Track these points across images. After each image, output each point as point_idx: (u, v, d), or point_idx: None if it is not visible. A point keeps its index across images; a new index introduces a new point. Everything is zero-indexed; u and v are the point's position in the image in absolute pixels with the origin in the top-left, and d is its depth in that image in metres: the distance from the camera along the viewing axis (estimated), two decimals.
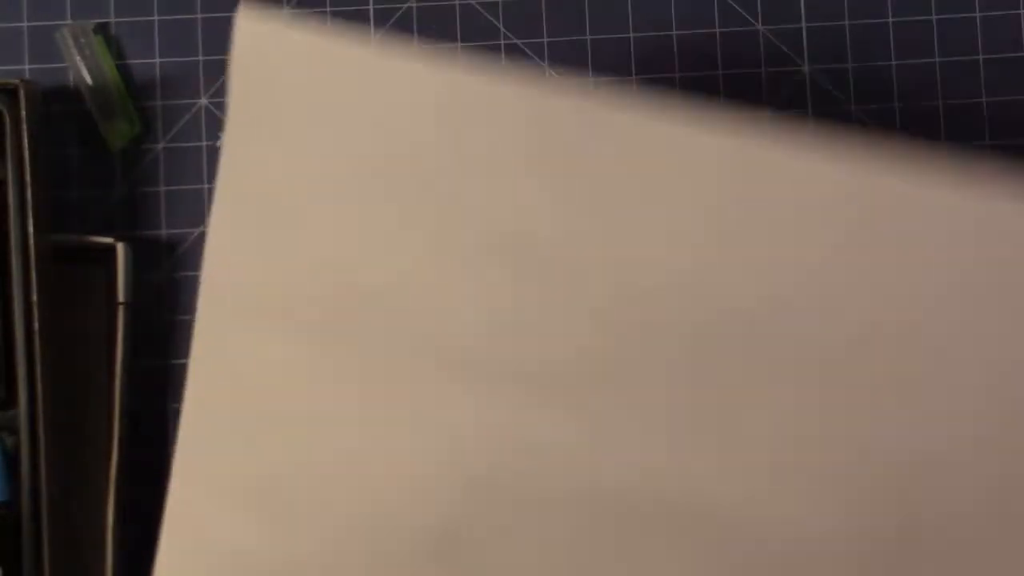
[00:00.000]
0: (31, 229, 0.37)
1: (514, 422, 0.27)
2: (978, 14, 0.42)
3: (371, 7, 0.42)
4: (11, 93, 0.38)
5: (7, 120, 0.37)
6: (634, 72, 0.42)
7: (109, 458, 0.39)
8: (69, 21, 0.42)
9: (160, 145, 0.42)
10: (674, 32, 0.42)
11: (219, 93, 0.42)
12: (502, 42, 0.42)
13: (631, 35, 0.42)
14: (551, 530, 0.27)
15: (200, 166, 0.42)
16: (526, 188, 0.26)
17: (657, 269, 0.26)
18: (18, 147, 0.37)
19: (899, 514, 0.25)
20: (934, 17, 0.42)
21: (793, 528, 0.26)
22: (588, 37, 0.42)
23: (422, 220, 0.27)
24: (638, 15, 0.42)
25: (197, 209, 0.42)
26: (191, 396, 0.29)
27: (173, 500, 0.29)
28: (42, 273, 0.38)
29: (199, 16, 0.42)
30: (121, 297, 0.40)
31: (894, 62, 0.42)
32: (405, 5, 0.42)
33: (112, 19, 0.42)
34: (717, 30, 0.42)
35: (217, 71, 0.42)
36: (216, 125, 0.42)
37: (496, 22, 0.42)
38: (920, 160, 0.24)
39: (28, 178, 0.37)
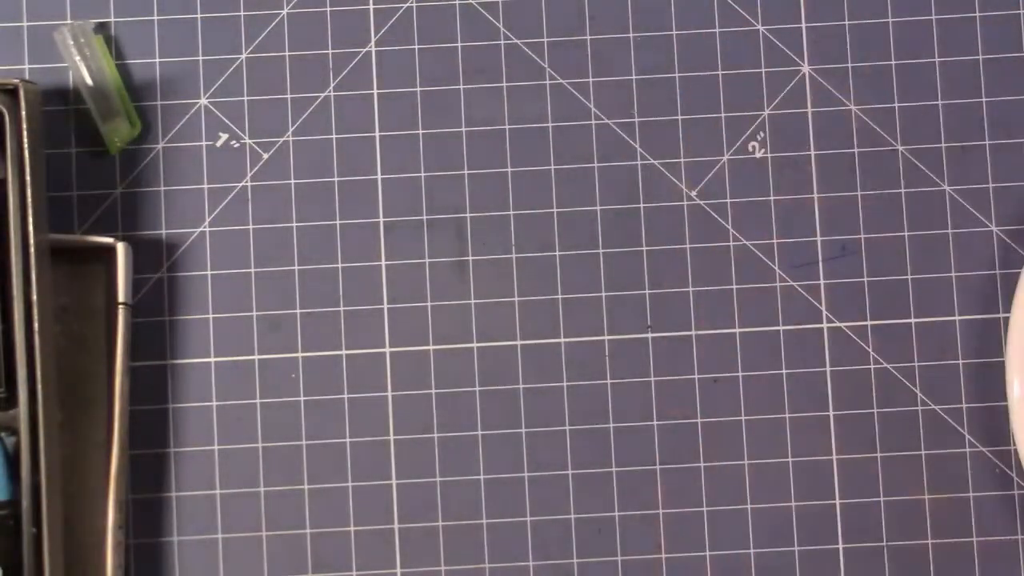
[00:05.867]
0: (31, 229, 0.37)
1: None
2: (978, 14, 0.42)
3: (371, 7, 0.42)
4: (11, 93, 0.38)
5: (7, 120, 0.37)
6: (634, 72, 0.42)
7: (109, 458, 0.39)
8: (69, 21, 0.42)
9: (160, 145, 0.42)
10: (674, 32, 0.42)
11: (219, 93, 0.42)
12: (502, 42, 0.42)
13: (631, 35, 0.42)
14: None
15: (200, 166, 0.42)
16: None
17: None
18: (18, 147, 0.37)
19: None
20: (934, 17, 0.42)
21: None
22: (588, 37, 0.42)
23: None
24: (638, 15, 0.42)
25: (197, 209, 0.42)
26: None
27: None
28: (42, 273, 0.38)
29: (199, 16, 0.42)
30: (121, 297, 0.40)
31: (894, 62, 0.42)
32: (405, 5, 0.42)
33: (112, 19, 0.42)
34: (717, 30, 0.42)
35: (217, 71, 0.42)
36: (216, 125, 0.42)
37: (496, 22, 0.42)
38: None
39: (28, 178, 0.37)
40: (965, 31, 0.42)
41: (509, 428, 0.41)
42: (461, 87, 0.42)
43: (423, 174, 0.42)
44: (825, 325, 0.41)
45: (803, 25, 0.42)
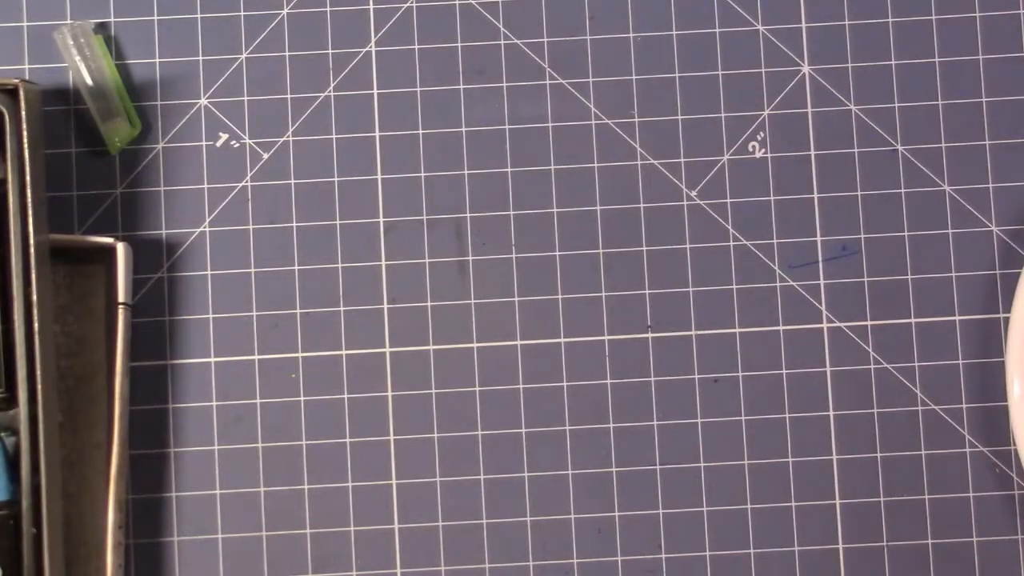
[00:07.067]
0: (31, 229, 0.37)
1: None
2: (978, 14, 0.42)
3: (371, 7, 0.42)
4: (11, 93, 0.38)
5: (7, 120, 0.37)
6: (634, 73, 0.42)
7: (109, 458, 0.39)
8: (69, 21, 0.42)
9: (160, 145, 0.42)
10: (674, 32, 0.42)
11: (219, 93, 0.42)
12: (502, 42, 0.42)
13: (631, 35, 0.42)
14: None
15: (200, 166, 0.42)
16: None
17: None
18: (18, 147, 0.37)
19: None
20: (934, 17, 0.42)
21: None
22: (588, 37, 0.42)
23: None
24: (638, 15, 0.42)
25: (197, 209, 0.42)
26: None
27: None
28: (42, 273, 0.38)
29: (199, 16, 0.42)
30: (121, 297, 0.40)
31: (894, 62, 0.42)
32: (405, 5, 0.42)
33: (112, 19, 0.42)
34: (717, 30, 0.42)
35: (217, 71, 0.42)
36: (216, 125, 0.42)
37: (496, 22, 0.42)
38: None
39: (28, 178, 0.37)
40: (965, 31, 0.42)
41: (509, 428, 0.41)
42: (461, 87, 0.42)
43: (423, 174, 0.42)
44: (825, 325, 0.41)
45: (803, 25, 0.42)
